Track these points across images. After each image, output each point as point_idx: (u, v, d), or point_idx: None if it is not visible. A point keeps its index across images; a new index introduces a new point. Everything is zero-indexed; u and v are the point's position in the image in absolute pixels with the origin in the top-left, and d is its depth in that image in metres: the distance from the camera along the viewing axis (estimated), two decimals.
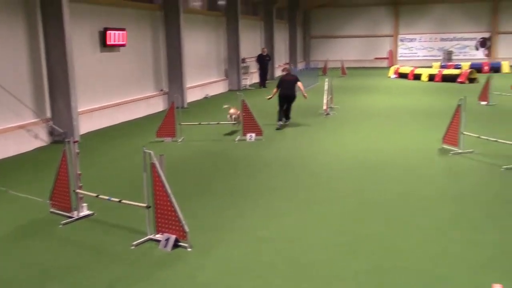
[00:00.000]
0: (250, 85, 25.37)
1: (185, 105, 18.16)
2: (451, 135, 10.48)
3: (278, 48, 31.09)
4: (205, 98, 21.02)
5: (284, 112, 14.09)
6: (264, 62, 25.08)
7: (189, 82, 19.23)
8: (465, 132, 10.27)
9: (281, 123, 13.75)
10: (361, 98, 20.01)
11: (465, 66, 29.39)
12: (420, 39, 37.67)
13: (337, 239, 6.12)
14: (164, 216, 6.01)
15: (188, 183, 8.66)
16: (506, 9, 35.65)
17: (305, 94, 14.04)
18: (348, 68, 32.97)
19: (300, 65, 35.12)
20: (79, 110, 12.80)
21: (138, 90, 16.49)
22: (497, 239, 6.01)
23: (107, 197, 6.76)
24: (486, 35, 36.43)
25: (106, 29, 14.41)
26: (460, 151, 10.25)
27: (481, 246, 5.83)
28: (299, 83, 13.76)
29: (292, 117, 14.53)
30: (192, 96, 19.76)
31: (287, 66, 15.98)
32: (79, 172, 6.95)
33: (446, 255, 5.62)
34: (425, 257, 5.59)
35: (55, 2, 11.74)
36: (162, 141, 12.11)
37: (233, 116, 12.76)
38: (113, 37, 14.68)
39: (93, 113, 14.09)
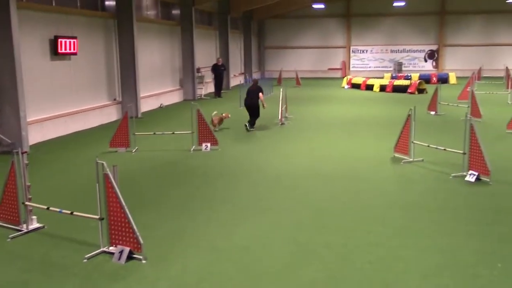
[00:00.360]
0: (205, 95, 25.32)
1: (139, 115, 17.94)
2: (402, 144, 10.76)
3: (233, 58, 31.20)
4: (160, 107, 20.84)
5: (251, 120, 14.92)
6: (219, 72, 25.11)
7: (143, 92, 19.02)
8: (415, 141, 10.56)
9: (249, 127, 14.78)
10: (315, 108, 20.29)
11: (415, 77, 30.28)
12: (371, 51, 38.58)
13: (292, 248, 6.16)
14: (118, 228, 5.90)
15: (142, 194, 8.54)
16: (452, 23, 37.01)
17: (265, 104, 14.92)
18: (303, 78, 33.39)
19: (255, 75, 35.30)
20: (28, 119, 12.43)
21: (91, 99, 16.17)
22: (446, 245, 6.19)
23: (58, 209, 6.58)
24: (434, 47, 37.69)
25: (57, 37, 14.09)
26: (411, 159, 10.53)
27: (430, 252, 6.00)
28: (260, 94, 14.66)
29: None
30: (146, 105, 19.54)
31: (256, 78, 16.64)
32: (28, 184, 6.74)
33: (397, 261, 5.75)
34: (377, 263, 5.69)
35: (2, 8, 11.41)
36: (116, 151, 11.90)
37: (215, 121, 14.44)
38: (64, 45, 14.37)
39: (44, 123, 13.71)
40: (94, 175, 5.96)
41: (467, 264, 5.66)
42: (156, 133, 13.13)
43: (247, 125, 14.73)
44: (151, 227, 6.84)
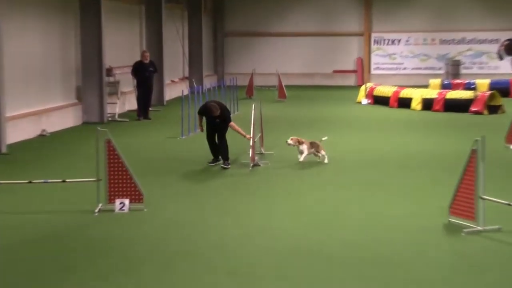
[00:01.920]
0: (122, 115, 25.26)
1: (3, 149, 17.75)
2: (463, 201, 10.78)
3: (170, 53, 31.30)
4: (42, 136, 20.68)
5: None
6: (146, 75, 25.06)
7: (11, 109, 18.86)
8: (485, 197, 10.59)
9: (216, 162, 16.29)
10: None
11: (482, 85, 30.73)
12: (407, 41, 39.25)
13: None
14: None
15: None
16: None
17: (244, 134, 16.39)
18: (290, 87, 33.66)
19: (209, 81, 35.39)
20: None
21: None
22: None
23: None
24: None
25: None
26: (479, 228, 10.53)
27: None
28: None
29: (198, 171, 14.90)
30: (17, 132, 19.38)
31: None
32: None
33: None
34: None
35: None
36: None
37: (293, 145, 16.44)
38: None
39: None
40: None
41: None
42: (34, 181, 12.96)
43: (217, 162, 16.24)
44: None
